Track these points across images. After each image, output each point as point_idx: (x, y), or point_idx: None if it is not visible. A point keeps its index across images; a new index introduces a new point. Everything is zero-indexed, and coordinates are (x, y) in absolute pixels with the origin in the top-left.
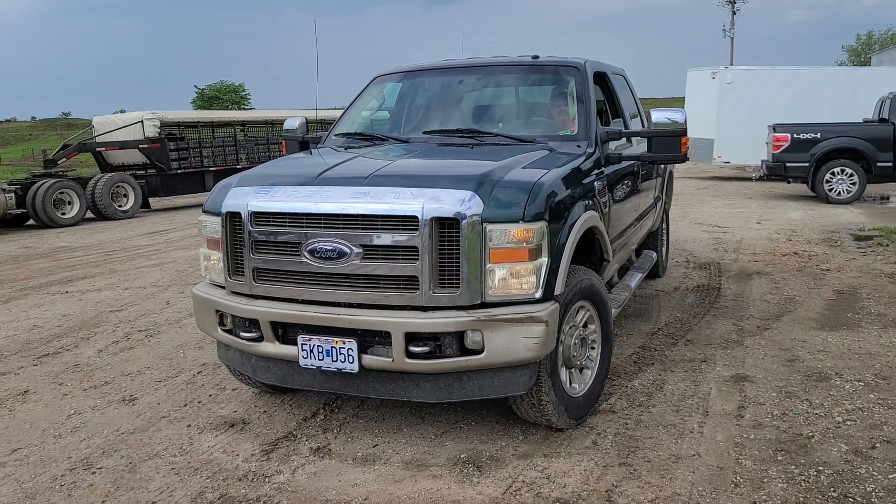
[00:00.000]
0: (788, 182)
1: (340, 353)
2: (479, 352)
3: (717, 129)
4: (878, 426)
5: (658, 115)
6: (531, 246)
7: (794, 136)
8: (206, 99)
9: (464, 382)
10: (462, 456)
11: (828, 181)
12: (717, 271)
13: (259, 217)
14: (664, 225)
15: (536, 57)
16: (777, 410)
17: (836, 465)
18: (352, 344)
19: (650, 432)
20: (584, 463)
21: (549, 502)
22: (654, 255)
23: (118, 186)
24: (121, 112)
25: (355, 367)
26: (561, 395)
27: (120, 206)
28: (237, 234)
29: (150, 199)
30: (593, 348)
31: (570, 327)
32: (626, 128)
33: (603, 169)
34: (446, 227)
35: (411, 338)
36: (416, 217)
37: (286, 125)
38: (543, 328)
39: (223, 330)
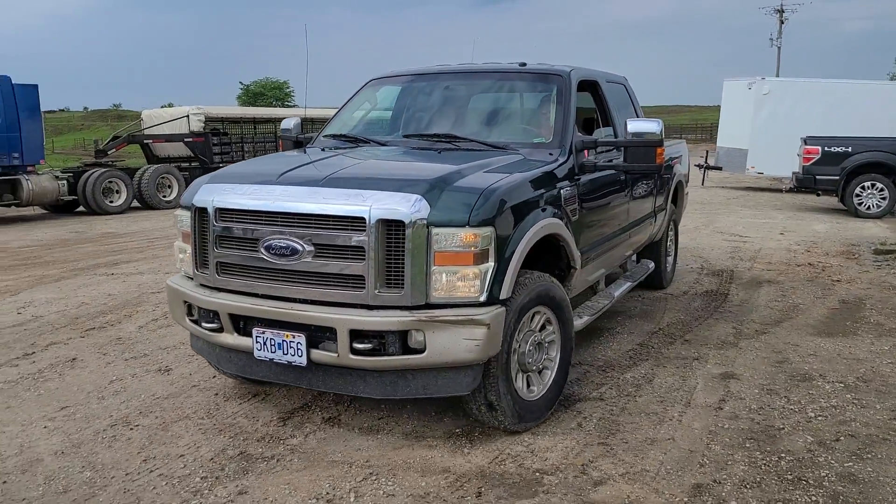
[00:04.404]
0: (818, 195)
1: (291, 347)
2: (421, 351)
3: (751, 139)
4: (847, 422)
5: (634, 125)
6: (476, 250)
7: (825, 148)
8: (252, 95)
9: (408, 380)
10: (457, 430)
11: (857, 195)
12: (729, 278)
13: (223, 213)
14: (670, 236)
15: (524, 64)
16: (755, 405)
17: (798, 454)
18: (301, 338)
19: (632, 418)
20: (566, 441)
21: (529, 472)
22: (651, 265)
23: (163, 177)
24: (168, 105)
25: (304, 361)
26: (514, 399)
27: (164, 196)
28: (204, 228)
29: None
30: (551, 353)
31: (527, 332)
32: (615, 136)
33: (575, 177)
34: (393, 229)
35: (356, 335)
36: (363, 218)
37: (283, 125)
38: (485, 331)
39: (190, 320)
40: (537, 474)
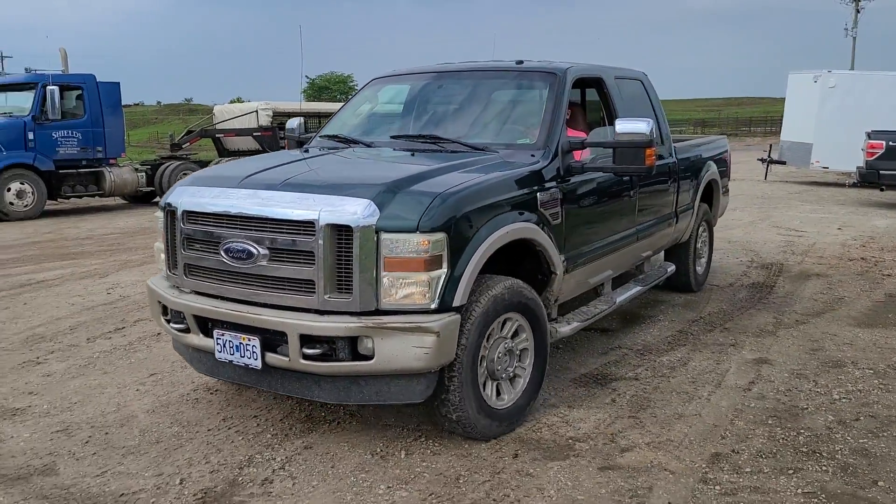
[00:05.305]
0: (882, 189)
1: (247, 350)
2: (370, 358)
3: (815, 133)
4: (870, 404)
5: (622, 126)
6: (426, 256)
7: (890, 143)
8: (317, 89)
9: (361, 386)
10: None
11: None
12: (778, 271)
13: (189, 215)
14: (701, 236)
15: (521, 62)
16: (783, 387)
17: (817, 430)
18: (255, 341)
19: (663, 396)
20: (599, 414)
21: (563, 439)
22: (671, 268)
23: None
24: (237, 100)
25: (258, 364)
26: (481, 407)
27: None
28: (175, 230)
29: None
30: (524, 360)
31: (496, 339)
32: None
33: (561, 179)
34: (343, 234)
35: (307, 339)
36: (312, 223)
37: (287, 125)
38: (434, 339)
39: (165, 320)
40: (570, 441)
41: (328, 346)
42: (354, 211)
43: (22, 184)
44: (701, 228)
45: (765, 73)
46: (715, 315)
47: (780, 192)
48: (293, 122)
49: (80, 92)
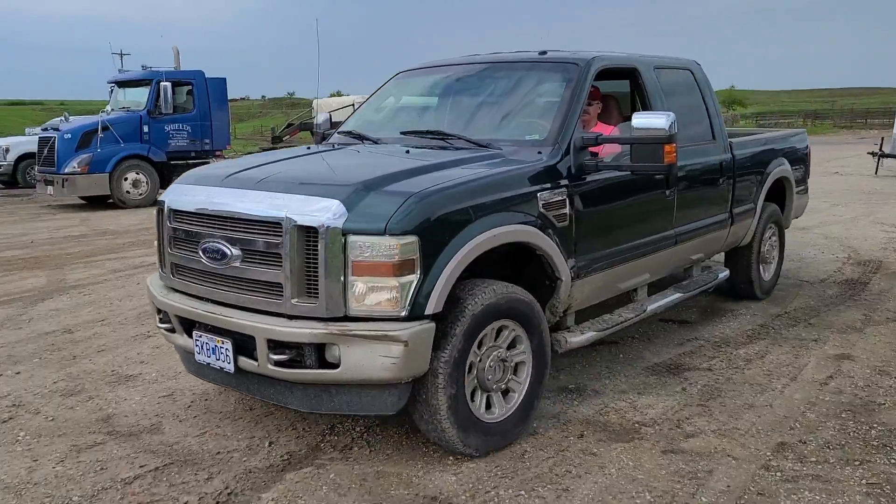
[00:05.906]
0: None
1: (220, 352)
2: (337, 366)
3: None
4: None
5: (638, 120)
6: (396, 261)
7: None
8: None
9: (332, 396)
10: (570, 386)
11: None
12: (875, 269)
13: (174, 213)
14: (768, 239)
15: (544, 53)
16: (862, 383)
17: (891, 426)
18: (228, 344)
19: (735, 387)
20: (668, 401)
21: (629, 423)
22: (723, 273)
23: None
24: (337, 94)
25: (231, 368)
26: (468, 420)
27: None
28: (163, 227)
29: None
30: (520, 371)
31: (489, 348)
32: None
33: (572, 178)
34: (310, 235)
35: (275, 344)
36: (279, 223)
37: (316, 120)
38: (402, 349)
39: (158, 319)
40: (636, 425)
41: (296, 353)
42: (322, 211)
43: (137, 174)
44: (768, 231)
45: (887, 62)
46: (800, 310)
47: (891, 188)
48: (320, 118)
49: (190, 87)
